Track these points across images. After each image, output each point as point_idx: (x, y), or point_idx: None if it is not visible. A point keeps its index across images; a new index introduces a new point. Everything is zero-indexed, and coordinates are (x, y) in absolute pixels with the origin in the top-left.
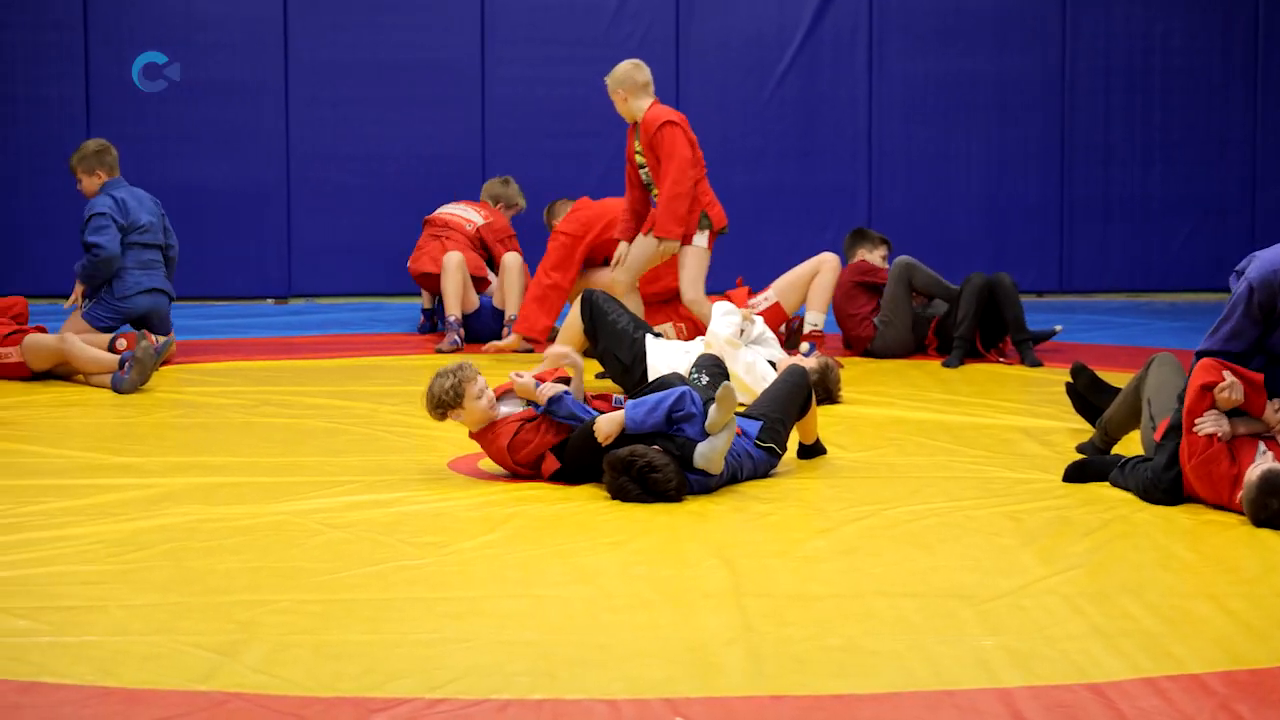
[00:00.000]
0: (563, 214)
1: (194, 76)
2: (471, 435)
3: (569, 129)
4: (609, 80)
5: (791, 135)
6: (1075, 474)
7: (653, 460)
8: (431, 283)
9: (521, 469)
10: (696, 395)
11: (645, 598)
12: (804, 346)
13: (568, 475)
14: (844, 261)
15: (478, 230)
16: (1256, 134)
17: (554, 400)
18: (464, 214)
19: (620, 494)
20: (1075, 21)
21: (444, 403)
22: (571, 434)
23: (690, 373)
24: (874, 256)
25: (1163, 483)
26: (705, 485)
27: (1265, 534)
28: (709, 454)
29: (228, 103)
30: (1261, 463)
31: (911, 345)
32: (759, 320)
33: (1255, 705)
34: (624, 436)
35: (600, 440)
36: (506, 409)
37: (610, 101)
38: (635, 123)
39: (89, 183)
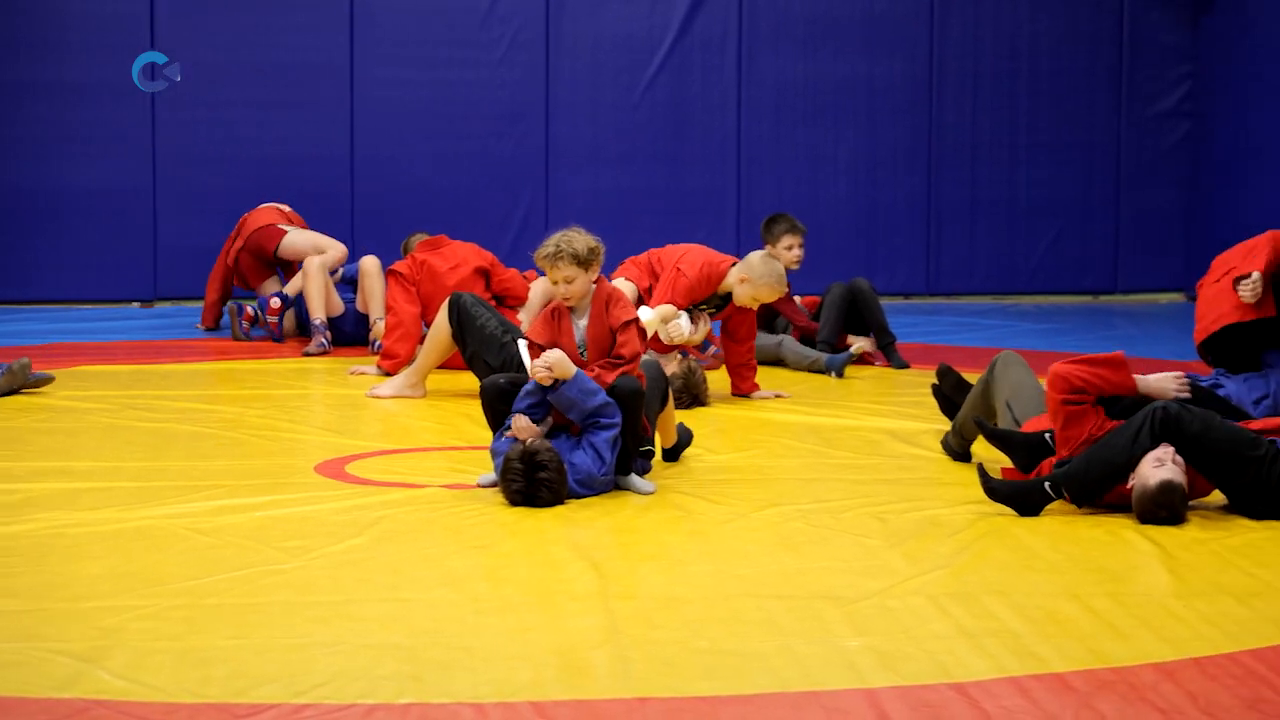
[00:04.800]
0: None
1: (58, 77)
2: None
3: (440, 130)
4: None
5: (661, 138)
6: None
7: (547, 461)
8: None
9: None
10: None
11: (513, 601)
12: (712, 349)
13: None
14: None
15: None
16: (1120, 138)
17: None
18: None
19: (506, 477)
20: (943, 24)
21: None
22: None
23: None
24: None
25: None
26: (582, 495)
27: (1129, 534)
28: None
29: (93, 104)
30: (1165, 465)
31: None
32: (684, 319)
33: (1118, 703)
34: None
35: (537, 364)
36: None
37: (482, 102)
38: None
39: None
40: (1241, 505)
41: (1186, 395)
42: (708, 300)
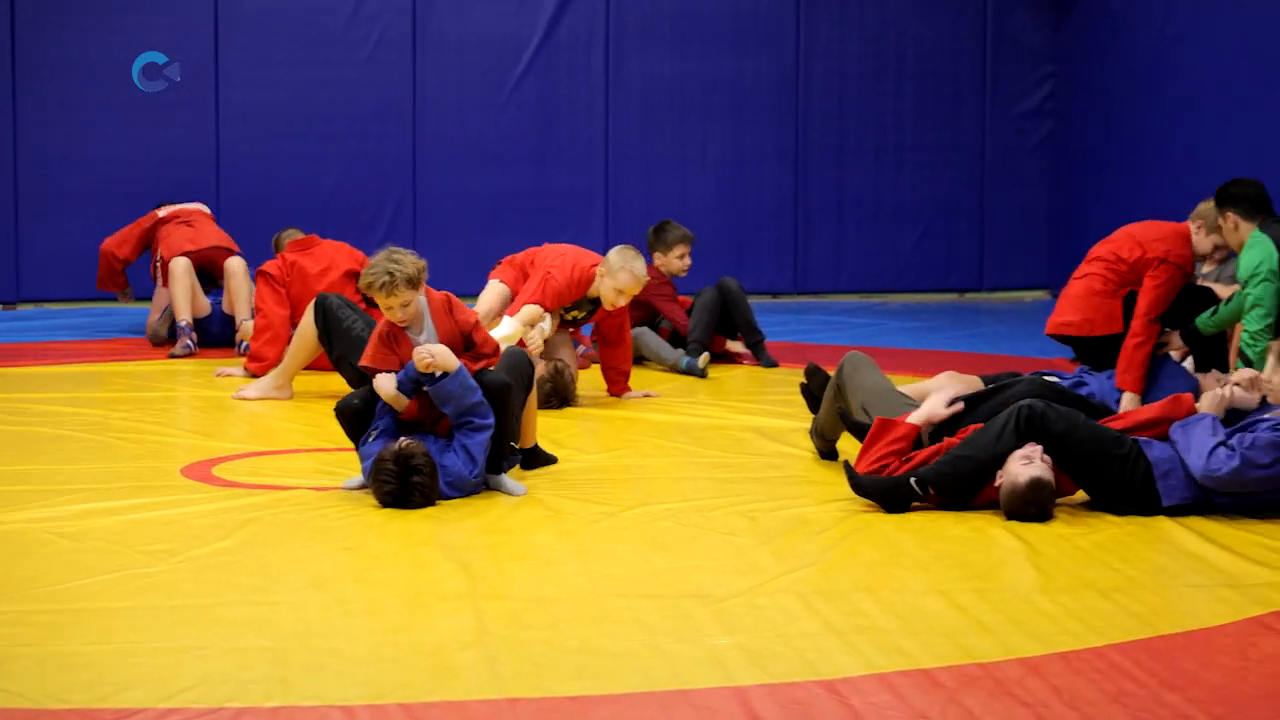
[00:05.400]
0: (283, 241)
1: None
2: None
3: (307, 130)
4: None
5: (529, 138)
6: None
7: (420, 464)
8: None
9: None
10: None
11: (381, 602)
12: (581, 349)
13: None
14: (649, 258)
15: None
16: (985, 138)
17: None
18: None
19: (378, 478)
20: (810, 24)
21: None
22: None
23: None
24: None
25: None
26: (451, 496)
27: (995, 530)
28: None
29: None
30: (1033, 462)
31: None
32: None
33: (984, 699)
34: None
35: (421, 356)
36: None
37: (349, 102)
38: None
39: None
40: (1104, 502)
41: (959, 410)
42: (578, 303)
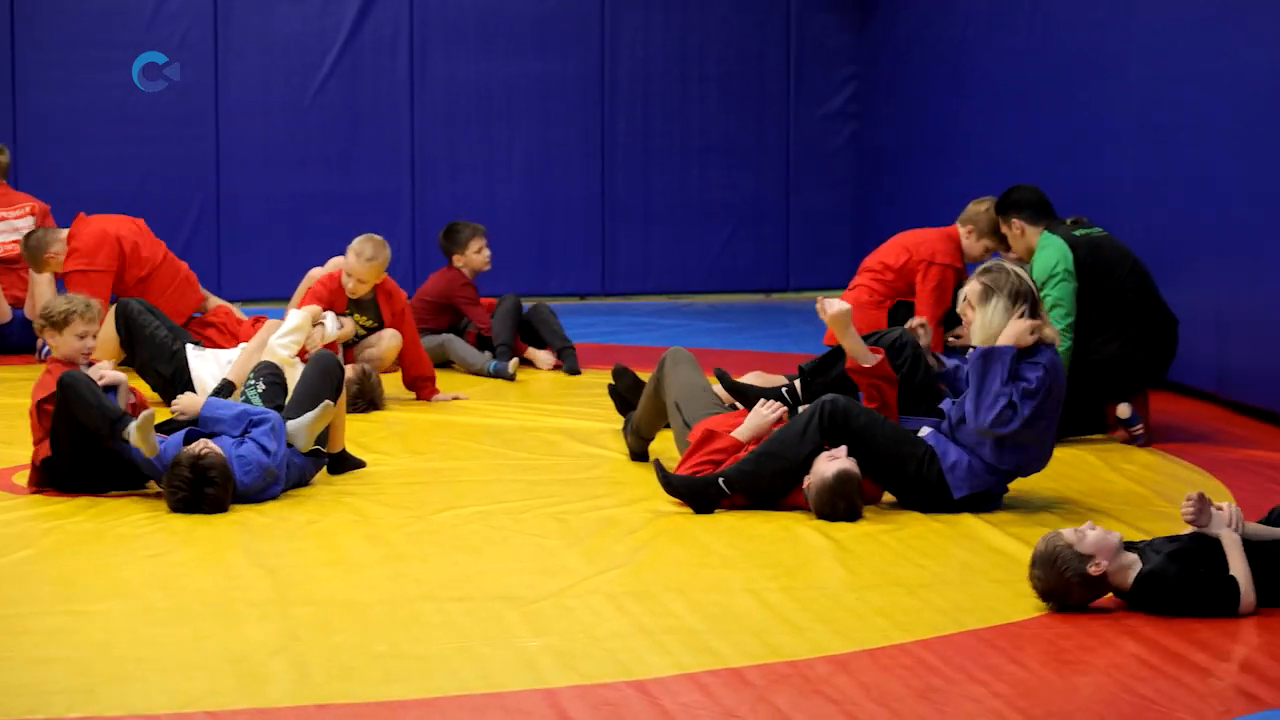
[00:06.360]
0: (55, 243)
1: None
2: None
3: (107, 132)
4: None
5: (334, 140)
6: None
7: (215, 475)
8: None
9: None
10: (281, 434)
11: (188, 610)
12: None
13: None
14: (448, 262)
15: None
16: (790, 139)
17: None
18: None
19: (172, 483)
20: (615, 25)
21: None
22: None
23: (248, 379)
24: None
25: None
26: (259, 498)
27: (803, 529)
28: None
29: None
30: (837, 459)
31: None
32: (330, 319)
33: (793, 696)
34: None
35: (175, 407)
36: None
37: (151, 103)
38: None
39: None
40: (907, 500)
41: (783, 415)
42: (360, 307)
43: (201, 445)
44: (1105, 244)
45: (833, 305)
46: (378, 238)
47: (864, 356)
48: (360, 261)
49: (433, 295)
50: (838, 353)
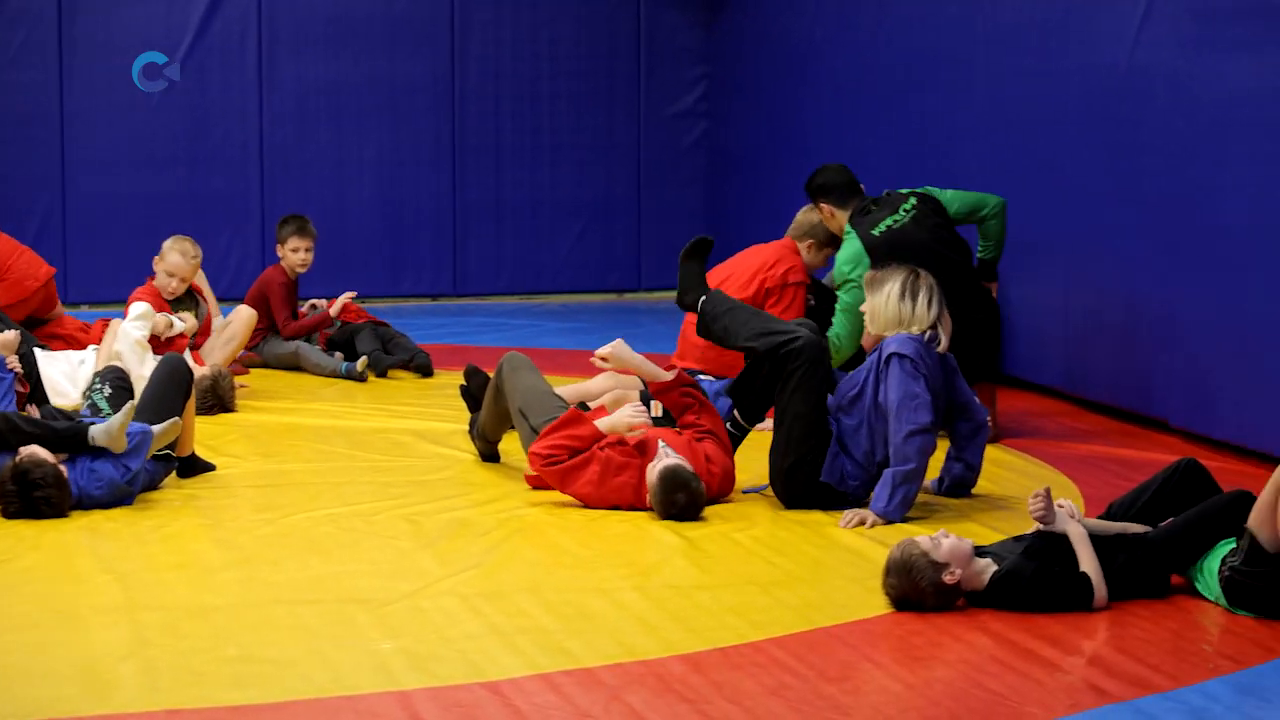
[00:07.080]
0: None
1: None
2: None
3: None
4: None
5: (180, 141)
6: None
7: (39, 477)
8: None
9: None
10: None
11: (34, 617)
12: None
13: None
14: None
15: None
16: (641, 137)
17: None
18: None
19: (4, 498)
20: (464, 26)
21: None
22: None
23: (92, 383)
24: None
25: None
26: (106, 503)
27: (655, 528)
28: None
29: None
30: (661, 459)
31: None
32: (177, 320)
33: (647, 696)
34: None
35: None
36: None
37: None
38: None
39: None
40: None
41: (646, 422)
42: (181, 303)
43: (24, 453)
44: (904, 238)
45: (603, 350)
46: (188, 237)
47: (657, 375)
48: (186, 260)
49: (254, 289)
50: (755, 365)
